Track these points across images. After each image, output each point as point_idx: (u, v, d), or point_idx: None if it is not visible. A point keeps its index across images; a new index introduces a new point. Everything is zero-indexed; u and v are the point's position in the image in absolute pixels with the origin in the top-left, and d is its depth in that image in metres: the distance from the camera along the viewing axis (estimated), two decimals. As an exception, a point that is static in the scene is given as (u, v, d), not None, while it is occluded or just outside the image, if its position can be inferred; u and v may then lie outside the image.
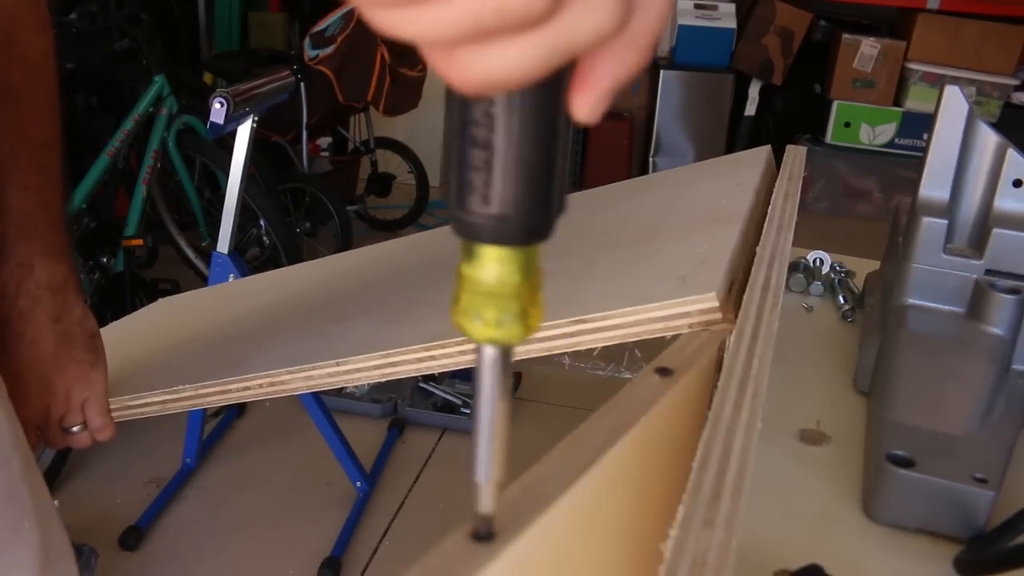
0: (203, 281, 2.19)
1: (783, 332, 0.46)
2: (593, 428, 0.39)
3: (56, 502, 0.76)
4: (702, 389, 0.47)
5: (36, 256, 0.69)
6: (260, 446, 1.98)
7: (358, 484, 1.74)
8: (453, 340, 0.56)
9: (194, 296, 1.25)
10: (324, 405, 1.71)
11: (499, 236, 0.25)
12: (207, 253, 2.16)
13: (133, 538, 1.64)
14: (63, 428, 0.73)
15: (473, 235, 0.25)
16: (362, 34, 2.53)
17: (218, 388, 0.69)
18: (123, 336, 1.06)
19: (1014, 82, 3.32)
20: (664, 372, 0.43)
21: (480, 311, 0.26)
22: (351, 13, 2.50)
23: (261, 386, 0.66)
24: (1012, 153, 0.86)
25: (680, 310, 0.49)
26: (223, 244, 1.64)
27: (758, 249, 0.56)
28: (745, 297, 0.49)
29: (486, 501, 0.31)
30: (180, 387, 0.70)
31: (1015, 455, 0.75)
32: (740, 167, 0.79)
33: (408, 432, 2.07)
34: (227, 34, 3.60)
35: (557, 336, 0.52)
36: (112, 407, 0.74)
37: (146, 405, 0.74)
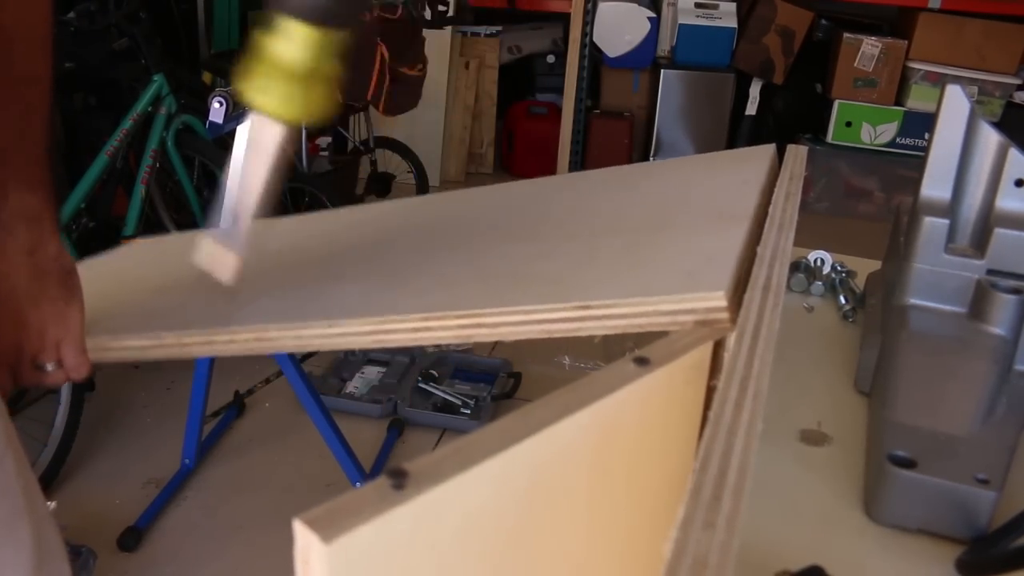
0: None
1: (784, 332, 0.46)
2: (547, 403, 0.39)
3: (52, 504, 0.76)
4: (687, 384, 0.47)
5: (10, 184, 0.66)
6: (259, 446, 1.98)
7: (357, 484, 1.74)
8: (452, 313, 0.55)
9: (173, 240, 1.20)
10: (323, 405, 1.71)
11: (308, 13, 0.27)
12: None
13: (132, 539, 1.63)
14: (36, 366, 0.71)
15: (287, 8, 0.28)
16: (362, 33, 2.53)
17: (203, 339, 0.66)
18: (98, 275, 1.00)
19: (1016, 81, 3.32)
20: (641, 362, 0.43)
21: (276, 85, 0.29)
22: (351, 12, 2.50)
23: (248, 340, 0.64)
24: (1014, 153, 0.86)
25: (686, 306, 0.49)
26: (222, 244, 1.64)
27: (759, 249, 0.56)
28: (746, 297, 0.48)
29: (226, 266, 0.32)
30: (163, 334, 0.68)
31: (1017, 456, 0.75)
32: (745, 163, 0.79)
33: (408, 432, 2.07)
34: (226, 33, 3.60)
35: (559, 320, 0.52)
36: (89, 347, 0.72)
37: (125, 349, 0.71)
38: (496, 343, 2.39)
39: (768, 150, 0.82)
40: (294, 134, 0.28)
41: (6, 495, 0.67)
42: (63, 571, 0.75)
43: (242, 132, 0.29)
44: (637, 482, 0.48)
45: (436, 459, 0.33)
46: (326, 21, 0.28)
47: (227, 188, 0.30)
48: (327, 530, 0.29)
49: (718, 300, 0.48)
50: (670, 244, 0.60)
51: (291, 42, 0.28)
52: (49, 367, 0.71)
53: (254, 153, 0.29)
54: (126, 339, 0.71)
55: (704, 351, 0.47)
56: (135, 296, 0.87)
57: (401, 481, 0.31)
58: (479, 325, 0.54)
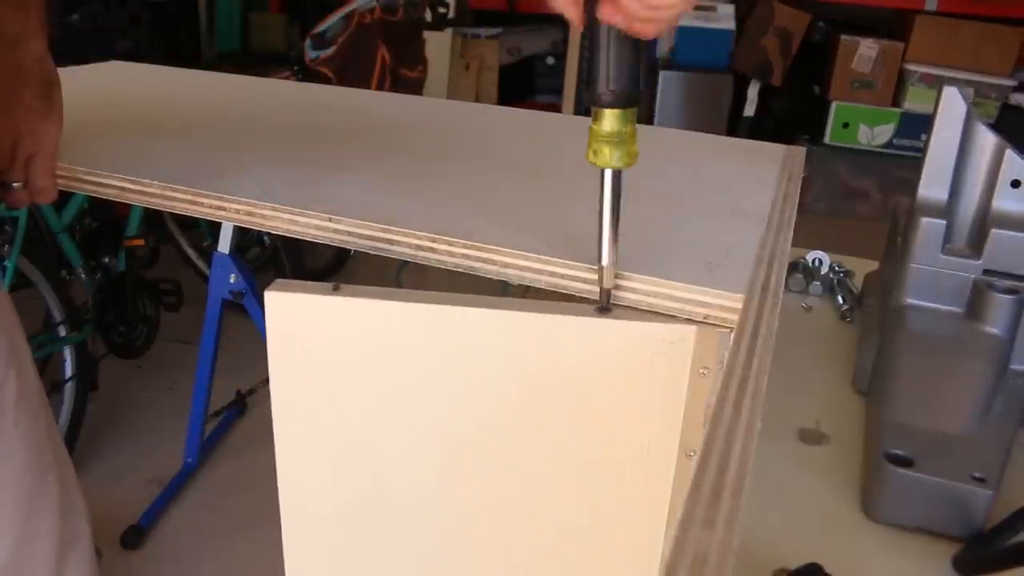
0: (204, 281, 2.20)
1: (782, 332, 0.47)
2: (490, 298, 0.48)
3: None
4: (657, 354, 0.50)
5: None
6: (261, 445, 1.98)
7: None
8: (461, 241, 0.55)
9: (156, 71, 1.15)
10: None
11: (611, 102, 0.45)
12: (208, 253, 2.17)
13: (135, 537, 1.64)
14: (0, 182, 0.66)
15: (598, 103, 0.45)
16: (362, 35, 2.53)
17: (189, 196, 0.63)
18: (80, 93, 0.94)
19: (1012, 83, 3.32)
20: (604, 309, 0.50)
21: (602, 149, 0.46)
22: (351, 15, 2.50)
23: (239, 212, 0.62)
24: (1010, 154, 0.87)
25: (703, 298, 0.50)
26: (224, 244, 1.65)
27: (757, 249, 0.56)
28: (745, 297, 0.49)
29: (607, 278, 0.50)
30: (148, 181, 0.64)
31: (1013, 454, 0.76)
32: (758, 158, 0.80)
33: (408, 432, 2.07)
34: (228, 35, 3.60)
35: (571, 277, 0.53)
36: (60, 173, 0.66)
37: (101, 186, 0.66)
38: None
39: (779, 150, 0.83)
40: None
41: (41, 452, 0.70)
42: (83, 527, 0.77)
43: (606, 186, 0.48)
44: (595, 428, 0.52)
45: (368, 288, 0.52)
46: (624, 105, 0.45)
47: (601, 229, 0.49)
48: (277, 287, 0.53)
49: (736, 302, 0.48)
50: (686, 227, 0.61)
51: (608, 121, 0.45)
52: (15, 186, 0.65)
53: (612, 198, 0.48)
54: (105, 175, 0.66)
55: (685, 330, 0.49)
56: (120, 125, 0.81)
57: (339, 287, 0.53)
58: (488, 260, 0.55)
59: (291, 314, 0.53)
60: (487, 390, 0.53)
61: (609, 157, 0.46)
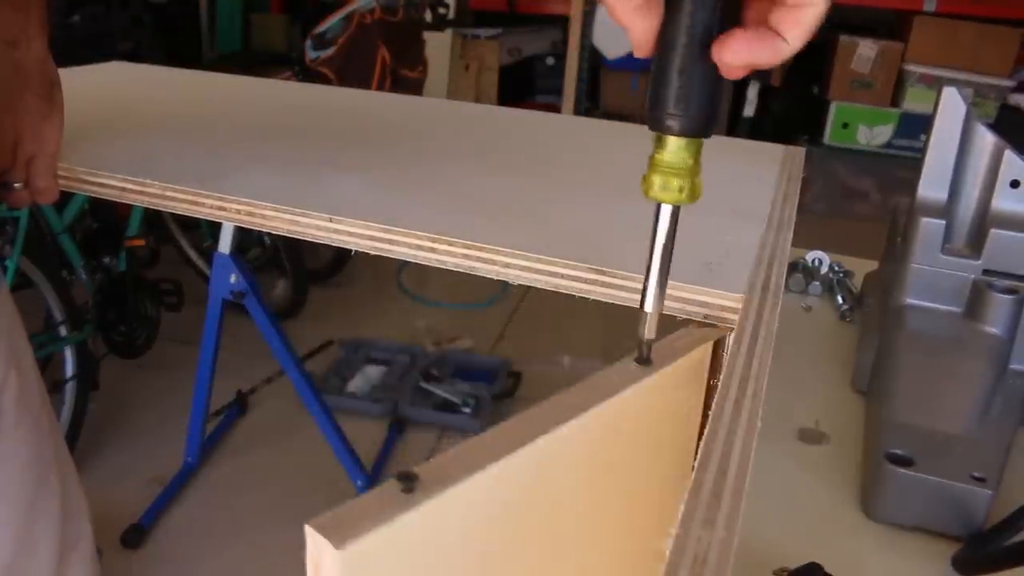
0: (205, 281, 2.20)
1: (782, 332, 0.47)
2: (551, 405, 0.39)
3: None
4: (687, 383, 0.48)
5: None
6: (261, 445, 1.99)
7: (359, 483, 1.75)
8: (461, 241, 0.55)
9: (157, 71, 1.15)
10: (325, 404, 1.72)
11: (681, 131, 0.38)
12: (209, 253, 2.17)
13: (136, 537, 1.64)
14: (1, 182, 0.66)
15: (665, 130, 0.39)
16: (363, 36, 2.54)
17: (189, 196, 0.63)
18: (81, 93, 0.93)
19: (1011, 83, 3.33)
20: (644, 362, 0.44)
21: (665, 182, 0.40)
22: (352, 15, 2.51)
23: (239, 212, 0.61)
24: (1009, 154, 0.87)
25: (702, 298, 0.50)
26: (224, 245, 1.65)
27: (757, 249, 0.57)
28: (745, 297, 0.49)
29: (650, 328, 0.43)
30: (148, 181, 0.64)
31: (1013, 454, 0.76)
32: (757, 158, 0.80)
33: (408, 431, 2.07)
34: (229, 36, 3.61)
35: (571, 278, 0.53)
36: (62, 173, 0.66)
37: (102, 186, 0.66)
38: (497, 341, 2.40)
39: (778, 150, 0.83)
40: None
41: (41, 453, 0.70)
42: (85, 527, 0.77)
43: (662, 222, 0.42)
44: (638, 480, 0.49)
45: (444, 462, 0.33)
46: (695, 134, 0.38)
47: (650, 270, 0.42)
48: (338, 535, 0.29)
49: (735, 301, 0.49)
50: (685, 226, 0.59)
51: (675, 152, 0.39)
52: (16, 186, 0.65)
53: (667, 236, 0.42)
54: (105, 176, 0.66)
55: (704, 350, 0.48)
56: (120, 126, 0.81)
57: (411, 485, 0.32)
58: (488, 261, 0.54)
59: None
60: (561, 500, 0.43)
61: (668, 191, 0.40)
